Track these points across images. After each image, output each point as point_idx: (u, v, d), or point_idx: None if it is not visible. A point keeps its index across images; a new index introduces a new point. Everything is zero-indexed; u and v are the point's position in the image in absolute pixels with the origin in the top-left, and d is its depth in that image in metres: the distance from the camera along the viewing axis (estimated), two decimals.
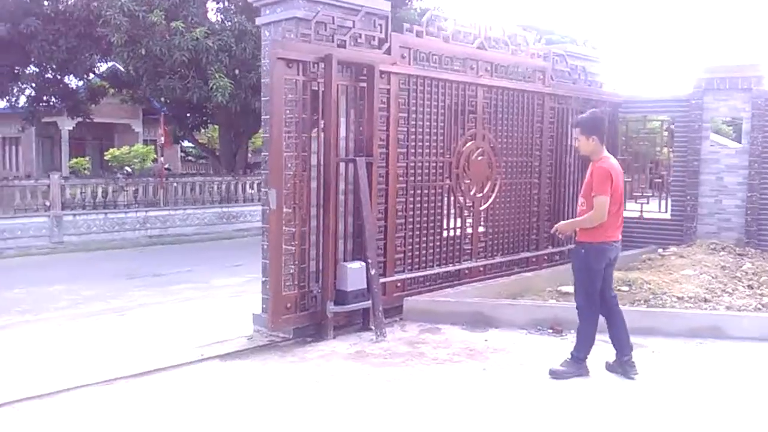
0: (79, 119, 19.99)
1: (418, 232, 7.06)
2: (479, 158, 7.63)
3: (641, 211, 10.47)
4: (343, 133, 6.25)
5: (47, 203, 14.20)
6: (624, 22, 59.74)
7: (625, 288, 7.28)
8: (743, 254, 8.83)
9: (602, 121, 5.30)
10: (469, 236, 7.71)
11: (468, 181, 7.55)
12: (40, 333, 6.96)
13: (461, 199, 7.52)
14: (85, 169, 22.22)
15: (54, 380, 5.05)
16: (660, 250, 9.19)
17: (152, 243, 14.92)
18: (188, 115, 19.27)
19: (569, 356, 5.19)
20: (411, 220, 6.97)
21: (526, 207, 8.37)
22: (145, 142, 25.15)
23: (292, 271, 6.03)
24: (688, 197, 9.94)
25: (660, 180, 10.65)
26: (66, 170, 22.23)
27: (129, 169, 20.38)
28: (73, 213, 14.47)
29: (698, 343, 6.01)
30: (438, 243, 7.33)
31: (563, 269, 7.87)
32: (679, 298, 7.05)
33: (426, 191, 7.11)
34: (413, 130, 6.88)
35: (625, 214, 10.44)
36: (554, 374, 5.11)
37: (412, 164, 6.92)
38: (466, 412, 4.46)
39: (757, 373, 5.32)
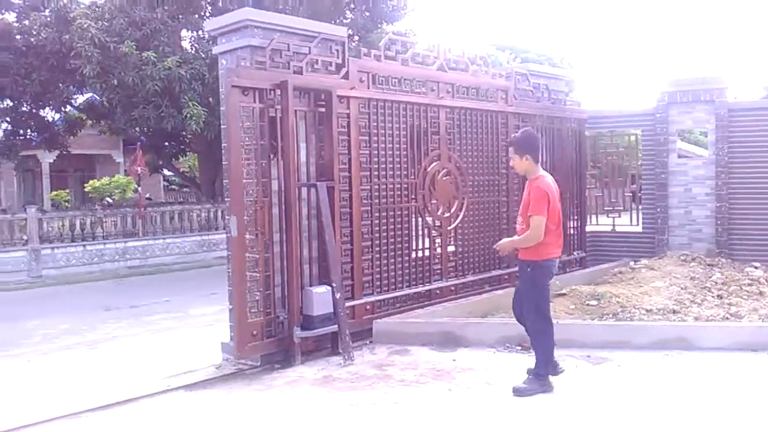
0: (59, 152, 19.94)
1: (385, 254, 7.08)
2: (444, 178, 7.69)
3: (613, 225, 10.54)
4: (303, 158, 6.29)
5: (25, 237, 14.13)
6: (595, 37, 60.61)
7: (594, 302, 7.31)
8: (713, 264, 8.89)
9: (536, 139, 5.40)
10: (439, 256, 7.73)
11: (434, 201, 7.59)
12: (10, 369, 6.91)
13: (429, 219, 7.55)
14: (66, 201, 22.13)
15: (16, 416, 5.01)
16: (631, 263, 9.25)
17: (132, 274, 14.85)
18: (166, 144, 19.28)
19: (531, 374, 5.20)
20: (378, 242, 6.99)
21: (495, 225, 8.40)
22: (126, 173, 25.10)
23: (257, 298, 6.03)
24: (658, 209, 10.02)
25: (631, 194, 10.73)
26: (48, 203, 22.16)
27: (110, 200, 20.31)
28: (51, 246, 14.41)
29: (665, 355, 6.03)
30: (407, 264, 7.35)
31: None
32: (648, 310, 7.09)
33: (392, 213, 7.14)
34: (375, 152, 6.92)
35: (598, 228, 10.66)
36: (518, 392, 5.11)
37: (377, 186, 6.95)
38: None
39: (719, 383, 5.34)
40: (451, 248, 7.90)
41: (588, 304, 7.32)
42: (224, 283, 6.74)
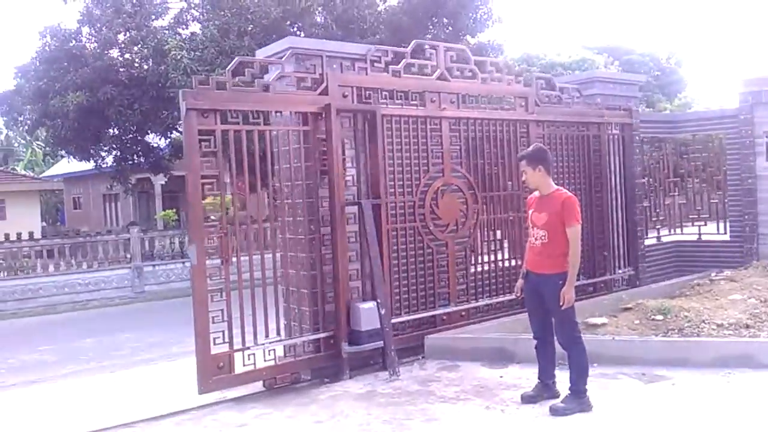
0: (168, 174, 21.22)
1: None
2: (451, 194, 7.23)
3: (699, 234, 10.02)
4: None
5: (128, 256, 15.17)
6: (695, 34, 57.63)
7: (660, 317, 6.97)
8: None
9: (546, 152, 5.33)
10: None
11: (438, 221, 7.13)
12: (93, 380, 7.48)
13: (428, 239, 7.06)
14: (174, 220, 23.50)
15: (77, 425, 5.50)
16: (712, 275, 8.74)
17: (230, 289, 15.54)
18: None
19: (568, 391, 5.07)
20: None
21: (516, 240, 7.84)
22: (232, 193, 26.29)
23: (306, 313, 6.23)
24: (746, 217, 9.43)
25: (716, 201, 10.14)
26: (161, 223, 23.64)
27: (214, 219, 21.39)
28: (152, 264, 15.38)
29: (726, 374, 5.68)
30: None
31: (593, 302, 7.71)
32: (718, 325, 6.69)
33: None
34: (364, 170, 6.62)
35: (683, 237, 10.16)
36: (554, 411, 4.98)
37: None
38: None
39: None
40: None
41: (653, 319, 6.98)
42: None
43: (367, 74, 6.64)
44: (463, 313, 7.34)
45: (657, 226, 10.02)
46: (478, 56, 16.60)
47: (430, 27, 16.87)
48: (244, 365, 5.90)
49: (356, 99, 6.52)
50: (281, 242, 6.55)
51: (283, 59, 6.24)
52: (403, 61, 6.91)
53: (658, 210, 10.03)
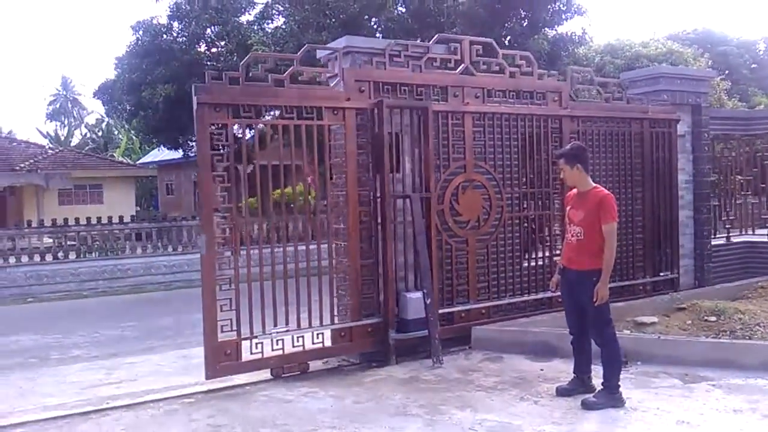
0: (253, 163, 22.10)
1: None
2: (473, 191, 7.13)
3: None
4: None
5: None
6: None
7: (713, 318, 6.90)
8: None
9: (584, 150, 5.48)
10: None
11: (459, 218, 7.08)
12: (166, 356, 8.11)
13: (446, 236, 7.02)
14: (256, 207, 24.40)
15: (143, 395, 6.00)
16: None
17: (303, 275, 16.13)
18: None
19: (601, 386, 5.17)
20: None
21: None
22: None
23: (348, 302, 6.56)
24: None
25: None
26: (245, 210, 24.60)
27: (293, 206, 22.19)
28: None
29: None
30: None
31: (647, 301, 7.70)
32: None
33: None
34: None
35: (754, 239, 9.88)
36: (586, 405, 5.09)
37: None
38: None
39: None
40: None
41: (706, 320, 6.92)
42: None
43: (385, 69, 6.65)
44: (483, 311, 7.26)
45: (727, 226, 9.77)
46: (556, 48, 16.56)
47: (507, 19, 16.84)
48: (252, 353, 6.09)
49: (373, 94, 6.55)
50: (332, 232, 6.86)
51: (298, 56, 6.45)
52: (426, 56, 6.91)
53: (728, 209, 9.78)
